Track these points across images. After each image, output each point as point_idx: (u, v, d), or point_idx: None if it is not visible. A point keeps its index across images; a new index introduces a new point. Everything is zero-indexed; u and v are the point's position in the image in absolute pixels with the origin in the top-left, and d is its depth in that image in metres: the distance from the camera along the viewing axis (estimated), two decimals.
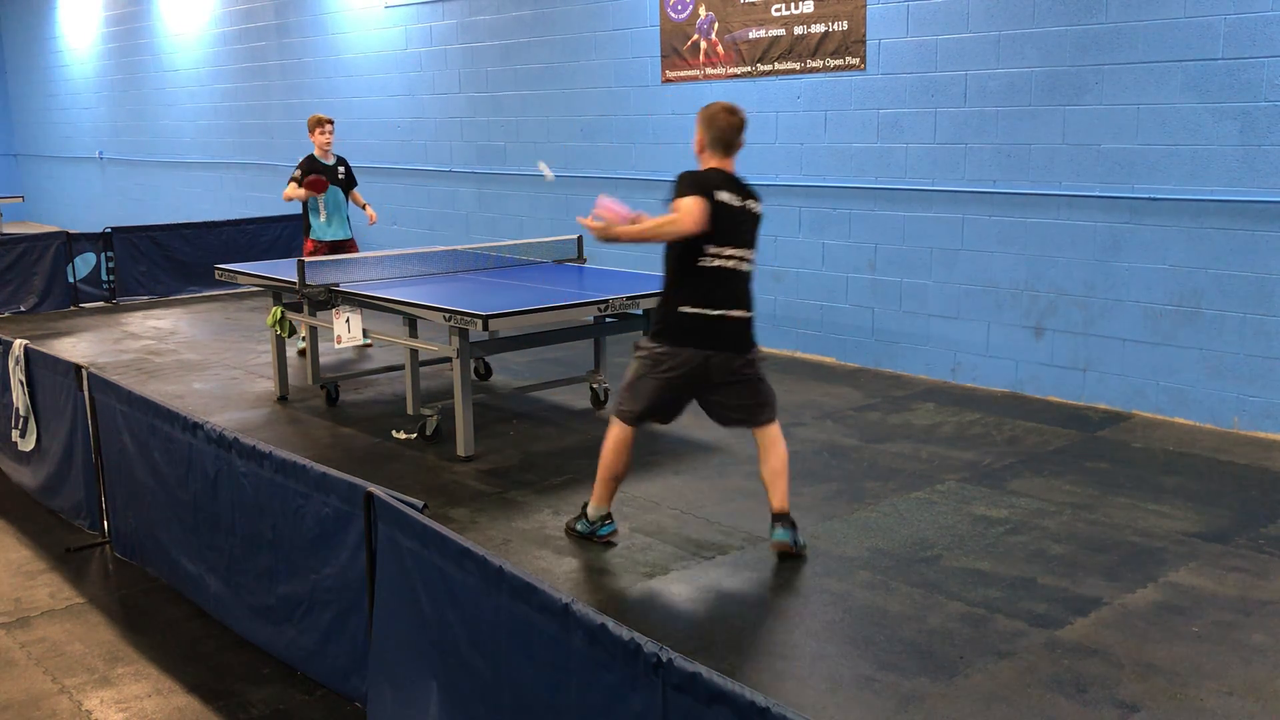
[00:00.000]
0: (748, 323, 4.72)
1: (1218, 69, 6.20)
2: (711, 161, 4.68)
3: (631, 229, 4.61)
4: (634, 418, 4.78)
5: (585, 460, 6.11)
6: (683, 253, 4.56)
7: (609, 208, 4.69)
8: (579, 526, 4.98)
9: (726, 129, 4.65)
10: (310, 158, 8.81)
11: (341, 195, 8.90)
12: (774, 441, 4.81)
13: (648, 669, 2.31)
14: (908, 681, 3.70)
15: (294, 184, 8.67)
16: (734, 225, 4.59)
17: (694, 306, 4.58)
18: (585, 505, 4.99)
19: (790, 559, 4.71)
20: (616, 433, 4.81)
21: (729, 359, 4.65)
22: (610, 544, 4.90)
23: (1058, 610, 4.19)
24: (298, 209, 13.17)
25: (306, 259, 6.95)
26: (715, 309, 4.59)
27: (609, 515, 4.94)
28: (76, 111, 18.59)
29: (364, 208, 9.08)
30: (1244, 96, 6.13)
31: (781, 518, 4.72)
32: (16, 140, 20.91)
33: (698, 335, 4.59)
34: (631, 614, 4.23)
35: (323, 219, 8.78)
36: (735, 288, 4.64)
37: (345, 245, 8.85)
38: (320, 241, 8.78)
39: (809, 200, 8.30)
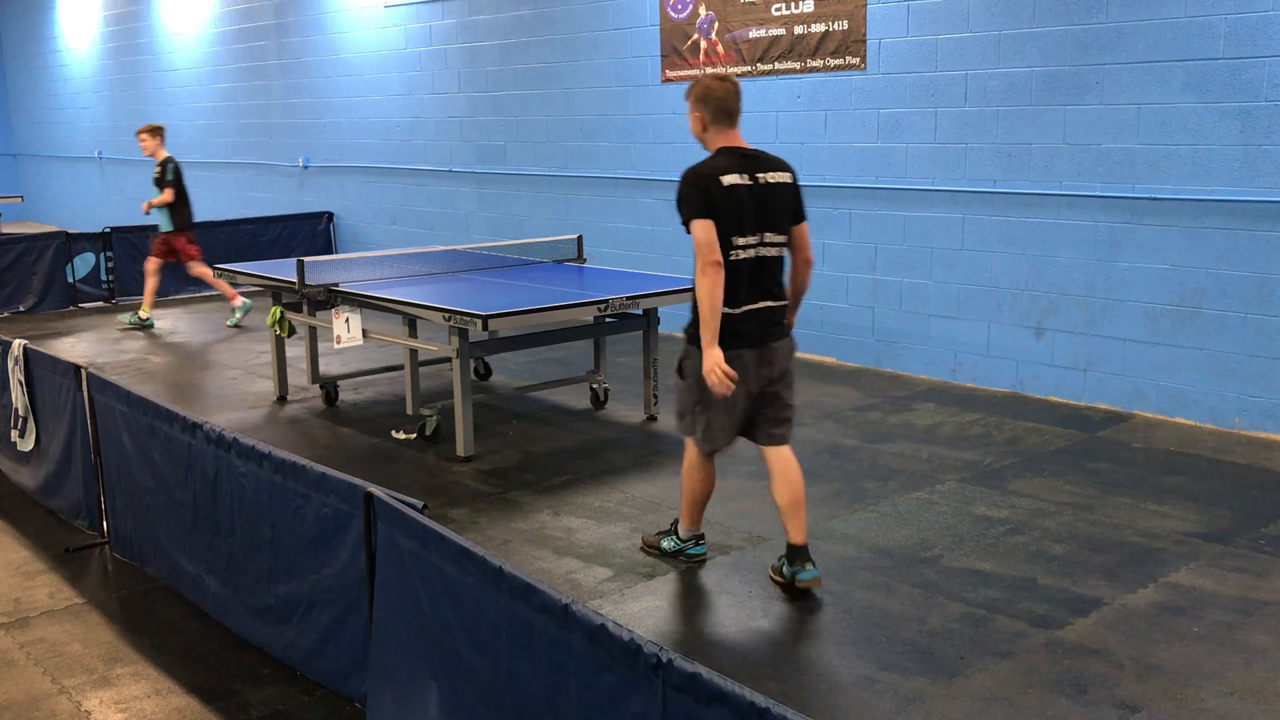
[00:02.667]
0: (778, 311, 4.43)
1: (1218, 69, 6.20)
2: (718, 140, 4.34)
3: (706, 334, 4.20)
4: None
5: (585, 460, 6.10)
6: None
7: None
8: (665, 544, 4.75)
9: (726, 98, 4.30)
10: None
11: (155, 192, 10.20)
12: (789, 459, 4.50)
13: (648, 669, 2.31)
14: (908, 682, 3.69)
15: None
16: (754, 208, 4.24)
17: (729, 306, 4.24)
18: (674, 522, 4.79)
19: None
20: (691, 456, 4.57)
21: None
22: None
23: (1058, 610, 4.19)
24: (297, 209, 13.20)
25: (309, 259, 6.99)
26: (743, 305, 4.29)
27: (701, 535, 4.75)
28: (76, 111, 18.58)
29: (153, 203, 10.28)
30: (1244, 96, 6.12)
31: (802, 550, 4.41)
32: (16, 140, 20.90)
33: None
34: (631, 614, 4.22)
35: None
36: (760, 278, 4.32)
37: (168, 236, 10.23)
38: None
39: (809, 200, 8.15)
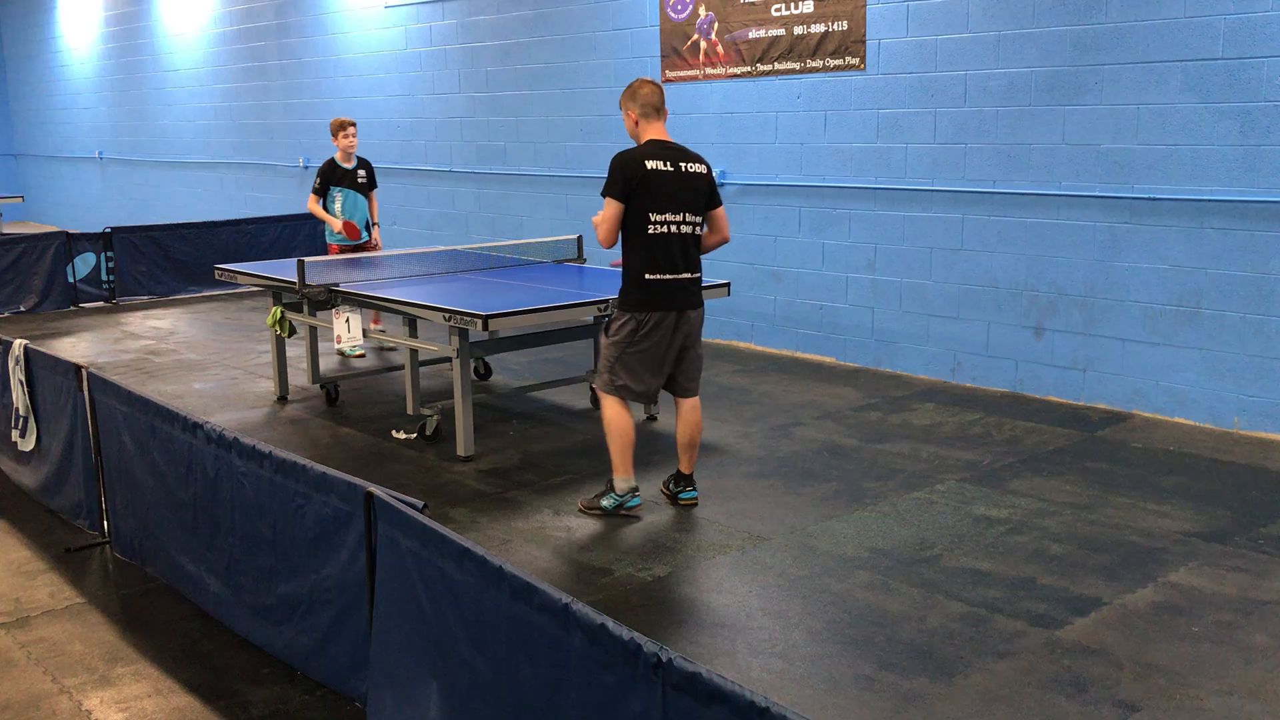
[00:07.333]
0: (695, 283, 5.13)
1: (1218, 69, 6.20)
2: (649, 132, 5.10)
3: None
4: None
5: (585, 460, 6.11)
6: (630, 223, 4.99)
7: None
8: (605, 503, 5.21)
9: (652, 95, 5.08)
10: (331, 162, 8.70)
11: (361, 199, 8.76)
12: (695, 408, 5.30)
13: (648, 669, 2.31)
14: (908, 681, 3.70)
15: (315, 198, 8.63)
16: (674, 191, 4.96)
17: (651, 273, 4.98)
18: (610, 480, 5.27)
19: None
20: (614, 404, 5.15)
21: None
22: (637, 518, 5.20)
23: (1058, 610, 4.20)
24: (297, 209, 13.19)
25: (309, 259, 6.95)
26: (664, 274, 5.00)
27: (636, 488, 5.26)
28: (76, 111, 18.59)
29: (373, 226, 8.89)
30: (1244, 96, 6.13)
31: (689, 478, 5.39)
32: (16, 140, 20.91)
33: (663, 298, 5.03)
34: (631, 614, 4.23)
35: (334, 228, 8.63)
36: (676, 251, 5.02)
37: (364, 248, 8.74)
38: (340, 246, 8.67)
39: (809, 200, 8.30)
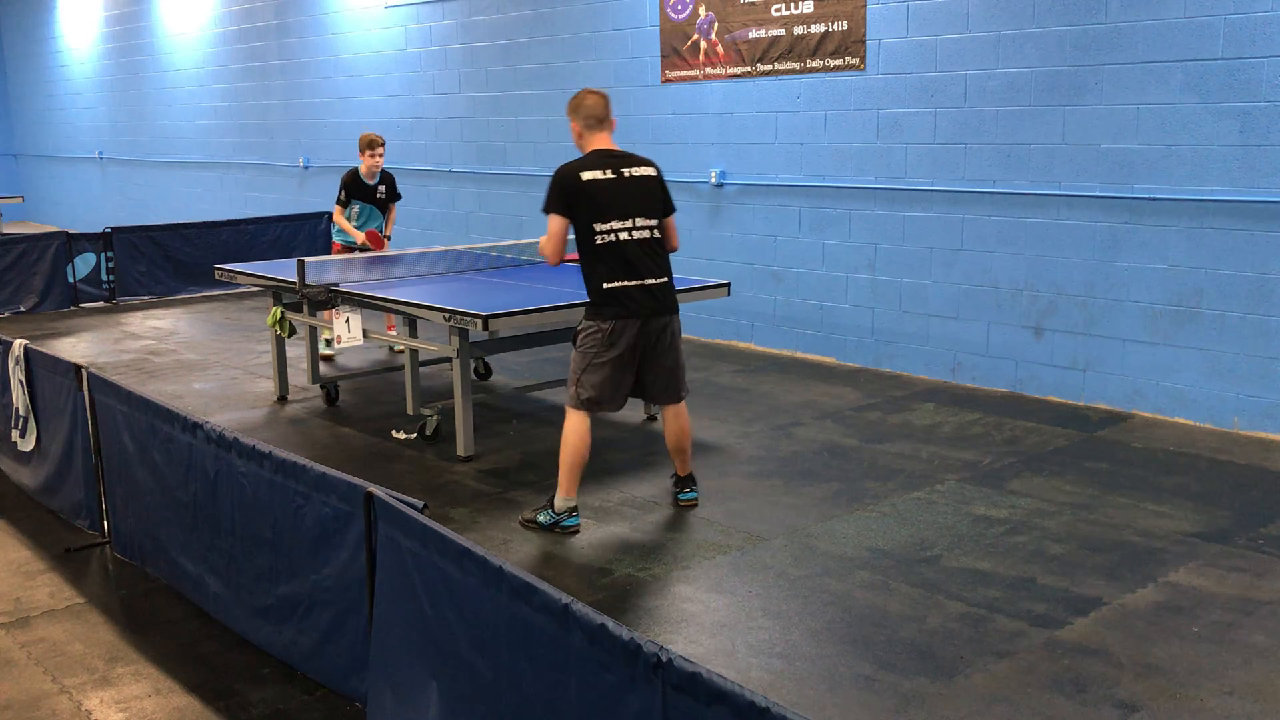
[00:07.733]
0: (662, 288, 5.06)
1: (1218, 69, 6.20)
2: (593, 143, 5.06)
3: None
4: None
5: None
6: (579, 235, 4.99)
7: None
8: (541, 518, 5.09)
9: (595, 106, 5.06)
10: (355, 174, 8.60)
11: (375, 211, 8.70)
12: (679, 414, 5.26)
13: (647, 669, 2.31)
14: (908, 681, 3.70)
15: (340, 209, 8.57)
16: (616, 198, 4.92)
17: (609, 282, 4.93)
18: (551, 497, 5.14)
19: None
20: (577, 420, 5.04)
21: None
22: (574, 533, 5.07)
23: (1058, 610, 4.20)
24: (297, 209, 13.20)
25: (309, 259, 6.95)
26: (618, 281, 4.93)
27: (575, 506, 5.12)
28: (76, 111, 18.59)
29: (385, 236, 8.80)
30: (1244, 96, 6.13)
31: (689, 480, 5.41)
32: (16, 140, 20.91)
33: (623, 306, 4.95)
34: (630, 614, 4.23)
35: (355, 241, 8.59)
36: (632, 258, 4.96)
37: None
38: (345, 246, 8.66)
39: (809, 200, 8.30)
